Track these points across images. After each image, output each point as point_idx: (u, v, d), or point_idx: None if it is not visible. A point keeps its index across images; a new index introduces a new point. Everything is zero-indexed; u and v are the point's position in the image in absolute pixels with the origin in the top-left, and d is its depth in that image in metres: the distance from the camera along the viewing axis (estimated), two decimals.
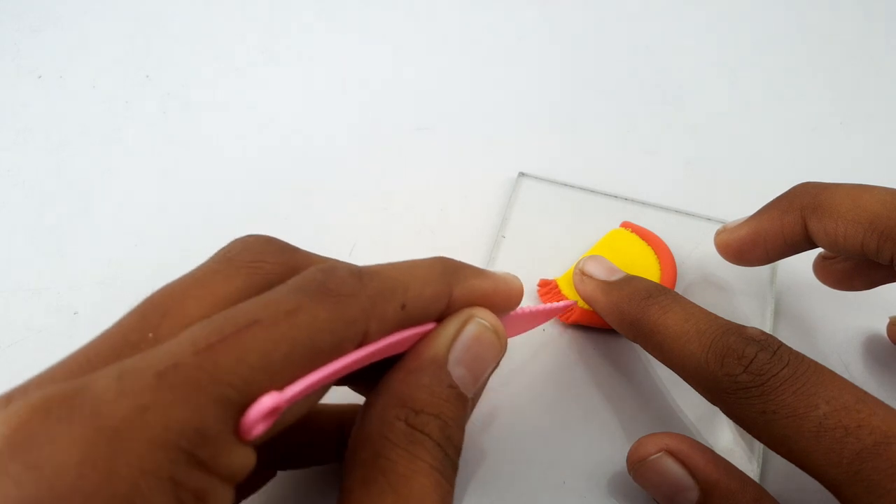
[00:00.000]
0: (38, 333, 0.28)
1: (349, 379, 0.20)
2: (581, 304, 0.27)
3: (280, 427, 0.16)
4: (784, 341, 0.20)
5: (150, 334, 0.16)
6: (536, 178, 0.33)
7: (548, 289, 0.29)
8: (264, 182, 0.34)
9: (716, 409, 0.21)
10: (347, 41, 0.41)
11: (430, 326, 0.19)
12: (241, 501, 0.21)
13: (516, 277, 0.21)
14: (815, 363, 0.19)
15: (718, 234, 0.27)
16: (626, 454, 0.23)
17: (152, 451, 0.13)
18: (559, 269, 0.29)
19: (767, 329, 0.28)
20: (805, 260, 0.27)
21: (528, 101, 0.38)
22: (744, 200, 0.29)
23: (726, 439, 0.25)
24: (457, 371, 0.19)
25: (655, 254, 0.29)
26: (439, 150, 0.35)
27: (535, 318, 0.24)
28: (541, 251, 0.30)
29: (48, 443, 0.12)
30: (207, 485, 0.14)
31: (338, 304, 0.16)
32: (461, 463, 0.19)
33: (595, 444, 0.25)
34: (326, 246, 0.31)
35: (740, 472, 0.21)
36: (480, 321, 0.19)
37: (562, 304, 0.26)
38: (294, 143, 0.36)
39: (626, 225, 0.30)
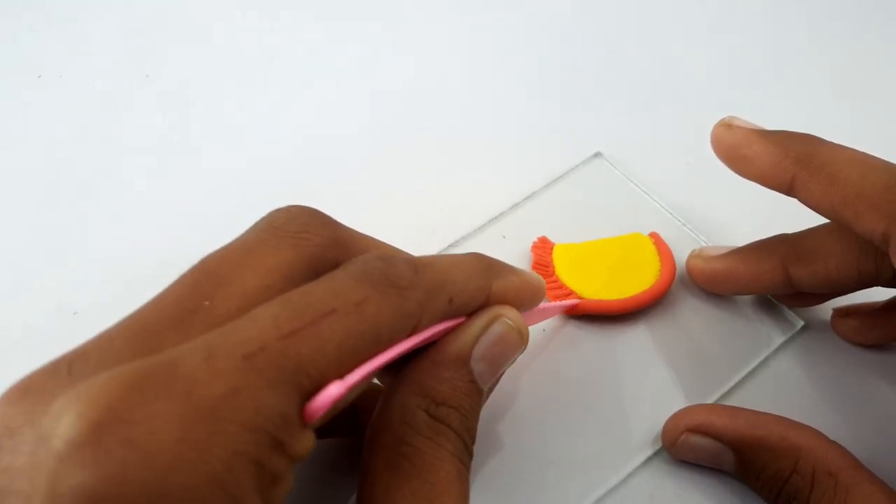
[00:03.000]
0: (38, 333, 0.28)
1: None
2: (587, 295, 0.27)
3: (333, 413, 0.16)
4: None
5: (207, 302, 0.16)
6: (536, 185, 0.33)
7: (544, 249, 0.29)
8: (264, 182, 0.34)
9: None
10: (348, 41, 0.41)
11: (462, 319, 0.20)
12: None
13: (539, 276, 0.22)
14: None
15: (692, 257, 0.27)
16: (620, 442, 0.24)
17: (244, 434, 0.13)
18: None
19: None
20: None
21: (529, 103, 0.38)
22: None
23: None
24: (478, 367, 0.19)
25: (660, 266, 0.28)
26: (439, 150, 0.35)
27: (546, 314, 0.25)
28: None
29: (146, 419, 0.12)
30: (283, 468, 0.14)
31: (399, 297, 0.16)
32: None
33: (598, 432, 0.25)
34: None
35: (761, 416, 0.22)
36: (507, 321, 0.20)
37: (569, 301, 0.27)
38: (294, 142, 0.36)
39: (653, 235, 0.30)
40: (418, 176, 0.34)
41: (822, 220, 0.23)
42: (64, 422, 0.12)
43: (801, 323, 0.28)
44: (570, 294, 0.28)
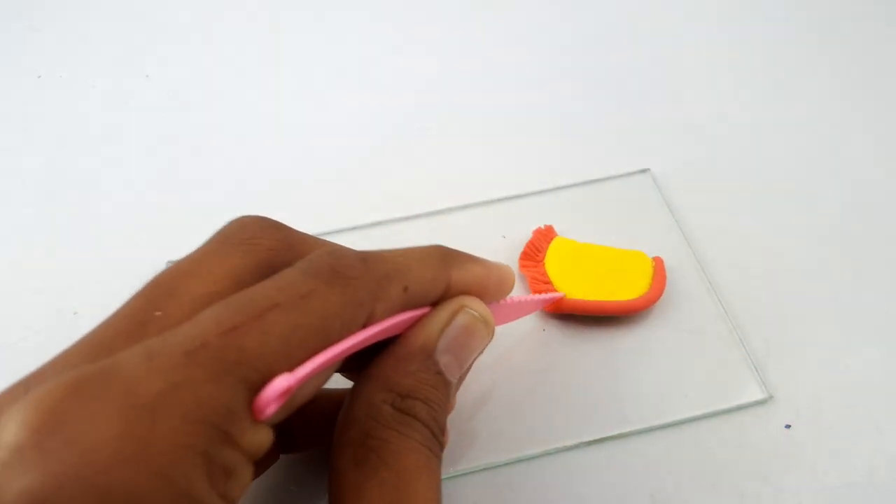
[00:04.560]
0: (38, 333, 0.28)
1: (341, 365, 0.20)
2: (570, 295, 0.27)
3: (292, 408, 0.16)
4: None
5: (158, 313, 0.16)
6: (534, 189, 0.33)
7: (544, 236, 0.29)
8: (264, 182, 0.34)
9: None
10: (349, 40, 0.41)
11: (425, 310, 0.19)
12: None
13: (509, 266, 0.22)
14: None
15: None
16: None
17: (186, 426, 0.13)
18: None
19: None
20: None
21: (530, 104, 0.38)
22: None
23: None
24: (444, 358, 0.19)
25: (650, 286, 0.28)
26: (439, 150, 0.35)
27: (523, 308, 0.24)
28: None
29: (85, 420, 0.13)
30: (235, 461, 0.14)
31: (347, 287, 0.16)
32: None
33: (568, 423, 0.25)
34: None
35: None
36: (470, 311, 0.20)
37: (549, 295, 0.26)
38: (294, 142, 0.36)
39: (657, 259, 0.29)
40: (418, 176, 0.34)
41: None
42: (7, 431, 0.13)
43: (768, 395, 0.26)
44: (549, 289, 0.27)
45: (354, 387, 0.19)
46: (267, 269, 0.18)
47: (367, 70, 0.39)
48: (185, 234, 0.32)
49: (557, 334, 0.28)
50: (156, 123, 0.37)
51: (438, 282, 0.19)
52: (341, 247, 0.19)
